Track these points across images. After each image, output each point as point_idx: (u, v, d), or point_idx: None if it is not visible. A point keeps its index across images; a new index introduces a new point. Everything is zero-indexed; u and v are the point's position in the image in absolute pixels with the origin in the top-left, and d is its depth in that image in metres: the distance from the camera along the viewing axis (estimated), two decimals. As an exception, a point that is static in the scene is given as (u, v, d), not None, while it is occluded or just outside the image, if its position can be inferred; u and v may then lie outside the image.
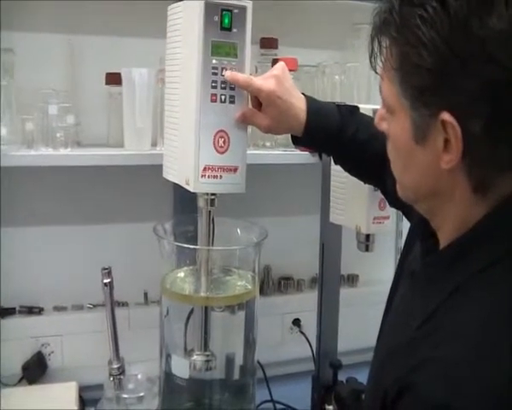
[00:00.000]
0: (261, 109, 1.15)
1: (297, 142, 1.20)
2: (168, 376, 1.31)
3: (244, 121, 1.16)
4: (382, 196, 1.35)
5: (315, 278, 1.88)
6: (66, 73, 1.58)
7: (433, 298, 0.81)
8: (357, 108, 0.91)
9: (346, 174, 1.39)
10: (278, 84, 1.12)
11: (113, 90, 1.56)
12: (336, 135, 1.15)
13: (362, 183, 1.34)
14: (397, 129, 0.84)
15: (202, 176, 1.13)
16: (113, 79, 1.53)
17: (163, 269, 1.34)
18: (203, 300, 1.26)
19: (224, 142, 1.14)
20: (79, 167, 1.48)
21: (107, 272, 1.48)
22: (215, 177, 1.14)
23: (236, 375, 1.38)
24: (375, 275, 1.98)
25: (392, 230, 2.02)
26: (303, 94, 1.17)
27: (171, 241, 1.36)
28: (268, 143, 1.66)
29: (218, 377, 1.36)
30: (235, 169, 1.16)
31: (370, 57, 0.85)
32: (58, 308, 1.67)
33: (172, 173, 1.24)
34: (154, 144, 1.53)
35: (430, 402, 0.71)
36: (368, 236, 1.40)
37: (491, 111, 0.73)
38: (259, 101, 1.15)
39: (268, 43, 1.65)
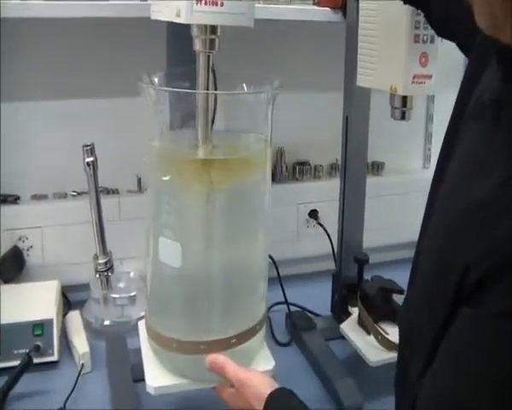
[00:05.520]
0: None
1: None
2: (156, 266, 1.08)
3: None
4: (424, 50, 1.12)
5: (334, 164, 1.75)
6: None
7: None
8: None
9: (377, 32, 1.16)
10: None
11: None
12: None
13: (397, 35, 1.10)
14: None
15: (198, 2, 0.88)
16: None
17: (150, 132, 1.07)
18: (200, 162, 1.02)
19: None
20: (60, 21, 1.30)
21: (90, 148, 1.25)
22: (214, 3, 0.90)
23: (243, 272, 1.14)
24: (403, 164, 1.84)
25: (422, 113, 1.86)
26: None
27: (159, 87, 1.04)
28: (283, -4, 1.43)
29: (221, 272, 1.11)
30: (240, -6, 0.91)
31: None
32: (37, 197, 1.53)
33: (162, 10, 1.00)
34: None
35: None
36: (405, 99, 1.15)
37: None
38: None
39: None
